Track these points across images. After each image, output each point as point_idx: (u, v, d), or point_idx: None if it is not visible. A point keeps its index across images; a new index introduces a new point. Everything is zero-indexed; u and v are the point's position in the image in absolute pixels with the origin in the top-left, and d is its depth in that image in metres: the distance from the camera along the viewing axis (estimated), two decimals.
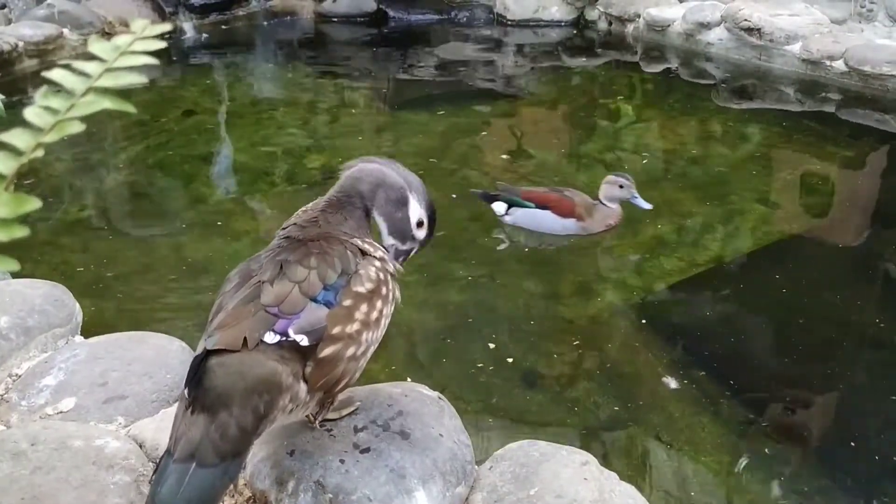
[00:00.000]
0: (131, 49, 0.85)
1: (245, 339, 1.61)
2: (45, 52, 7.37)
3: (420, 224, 1.97)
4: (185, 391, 1.60)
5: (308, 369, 1.67)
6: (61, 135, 0.81)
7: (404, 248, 1.98)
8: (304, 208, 1.97)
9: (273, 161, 5.55)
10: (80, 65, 0.85)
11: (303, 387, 1.68)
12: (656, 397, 3.13)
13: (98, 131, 5.97)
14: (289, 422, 1.83)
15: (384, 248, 1.92)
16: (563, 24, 8.86)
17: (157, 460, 2.06)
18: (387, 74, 7.86)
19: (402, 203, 1.93)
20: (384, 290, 1.82)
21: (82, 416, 2.25)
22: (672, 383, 3.19)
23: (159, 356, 2.50)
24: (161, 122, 6.27)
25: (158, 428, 2.17)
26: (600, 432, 3.00)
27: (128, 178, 5.34)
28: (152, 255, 4.29)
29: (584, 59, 8.06)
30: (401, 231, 1.96)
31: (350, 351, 1.73)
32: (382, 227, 1.96)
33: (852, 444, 2.90)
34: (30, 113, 0.84)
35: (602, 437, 2.97)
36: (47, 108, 0.83)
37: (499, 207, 4.44)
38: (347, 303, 1.72)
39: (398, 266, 1.92)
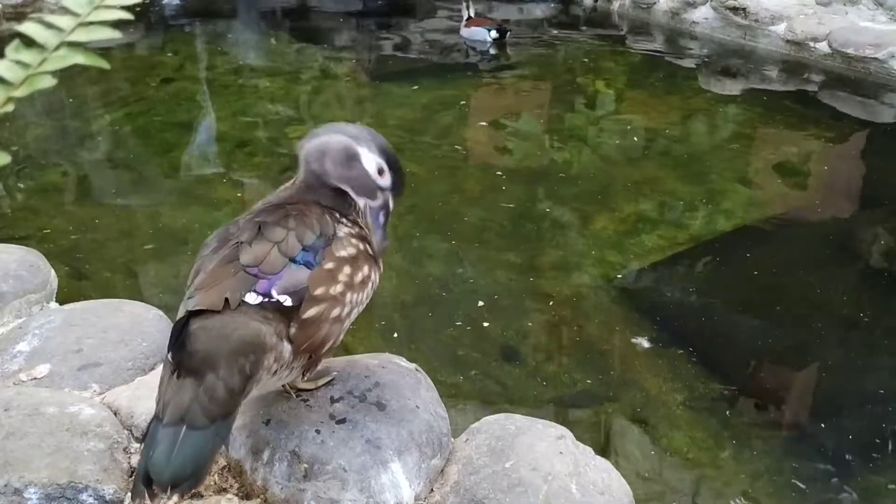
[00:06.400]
0: (105, 3, 0.82)
1: (226, 299, 1.59)
2: (23, 15, 7.28)
3: (381, 171, 1.83)
4: (169, 355, 1.59)
5: (292, 330, 1.66)
6: (32, 89, 0.79)
7: (378, 202, 1.85)
8: (283, 186, 1.93)
9: (254, 130, 5.50)
10: (52, 19, 0.83)
11: (287, 346, 1.66)
12: (633, 374, 3.14)
13: (77, 97, 5.88)
14: (273, 385, 1.81)
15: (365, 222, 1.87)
16: None
17: (131, 427, 2.05)
18: (370, 46, 7.80)
19: (352, 158, 1.80)
20: (364, 248, 1.79)
21: (56, 382, 2.23)
22: (649, 360, 3.20)
23: (135, 324, 2.47)
24: (140, 88, 6.19)
25: (134, 396, 2.15)
26: (577, 407, 3.01)
27: (106, 144, 5.27)
28: (130, 222, 4.25)
29: (568, 35, 8.02)
30: (364, 186, 1.83)
31: (334, 312, 1.71)
32: (349, 192, 1.84)
33: (826, 421, 2.94)
34: (0, 67, 0.81)
35: (578, 412, 2.99)
36: (18, 63, 0.80)
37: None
38: (329, 265, 1.70)
39: (382, 242, 1.84)
